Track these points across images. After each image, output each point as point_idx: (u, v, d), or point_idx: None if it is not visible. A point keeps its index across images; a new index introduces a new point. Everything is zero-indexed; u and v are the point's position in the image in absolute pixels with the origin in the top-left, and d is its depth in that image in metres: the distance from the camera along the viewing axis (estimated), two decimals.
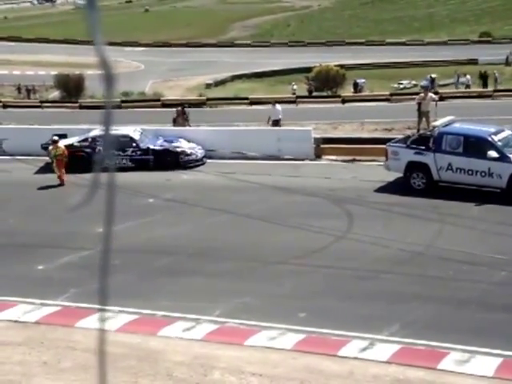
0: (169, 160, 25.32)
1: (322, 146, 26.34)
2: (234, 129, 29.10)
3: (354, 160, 25.28)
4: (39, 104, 49.74)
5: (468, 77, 56.57)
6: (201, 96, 51.82)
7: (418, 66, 68.15)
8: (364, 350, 11.64)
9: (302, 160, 25.48)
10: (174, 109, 34.05)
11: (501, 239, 16.69)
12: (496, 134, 20.77)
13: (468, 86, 54.09)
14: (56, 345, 12.32)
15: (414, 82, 59.39)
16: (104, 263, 2.47)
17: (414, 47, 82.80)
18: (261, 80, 68.03)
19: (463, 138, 20.60)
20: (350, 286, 14.59)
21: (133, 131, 26.05)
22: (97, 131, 25.79)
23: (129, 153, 25.36)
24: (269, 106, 33.75)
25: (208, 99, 48.09)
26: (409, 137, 22.93)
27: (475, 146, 20.36)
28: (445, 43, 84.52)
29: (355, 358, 11.38)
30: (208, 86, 64.67)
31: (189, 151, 25.81)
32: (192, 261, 16.56)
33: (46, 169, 25.57)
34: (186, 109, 33.75)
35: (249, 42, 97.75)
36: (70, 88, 55.82)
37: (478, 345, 11.56)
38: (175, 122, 32.08)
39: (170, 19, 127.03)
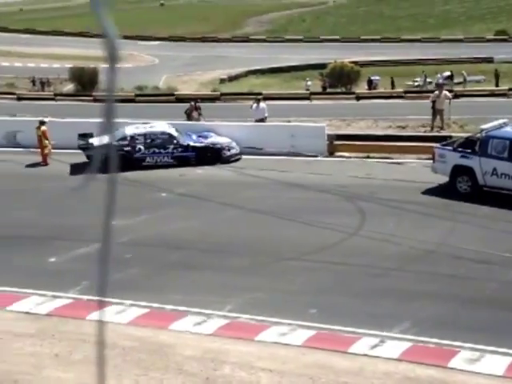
0: (210, 156, 25.19)
1: (336, 142, 26.31)
2: (247, 124, 29.07)
3: (367, 157, 25.25)
4: (53, 97, 49.93)
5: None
6: (215, 91, 51.87)
7: (432, 63, 67.97)
8: (374, 347, 11.64)
9: (316, 156, 25.48)
10: (188, 104, 34.11)
11: None
12: None
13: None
14: (67, 337, 12.39)
15: (428, 80, 59.21)
16: (103, 255, 2.47)
17: (429, 44, 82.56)
18: (275, 76, 67.99)
19: (509, 142, 19.71)
20: (361, 283, 14.58)
21: (168, 127, 25.94)
22: (132, 128, 25.67)
23: (170, 150, 25.22)
24: (252, 104, 31.67)
25: (222, 94, 48.12)
26: (458, 139, 21.98)
27: None
28: (460, 41, 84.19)
29: (365, 355, 11.37)
30: (222, 81, 64.69)
31: (229, 146, 25.75)
32: (203, 255, 16.57)
33: (59, 161, 25.73)
34: (198, 103, 33.79)
35: (264, 37, 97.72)
36: (85, 81, 55.98)
37: (489, 344, 11.52)
38: (189, 117, 32.11)
39: (185, 13, 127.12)
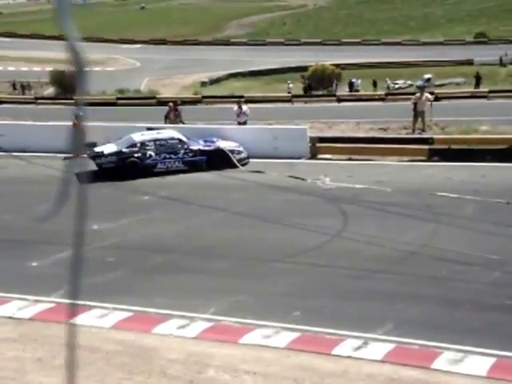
0: (222, 160, 24.92)
1: (318, 144, 26.37)
2: (230, 127, 29.05)
3: (349, 159, 25.31)
4: (34, 100, 49.74)
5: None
6: (196, 94, 51.91)
7: (413, 65, 68.35)
8: (358, 348, 11.64)
9: (298, 159, 25.52)
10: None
11: (495, 239, 16.70)
12: None
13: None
14: (50, 341, 12.30)
15: (409, 82, 59.63)
16: (76, 260, 2.45)
17: (409, 47, 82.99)
18: (256, 78, 68.14)
19: None
20: (344, 285, 14.60)
21: (176, 133, 25.59)
22: (139, 135, 25.15)
23: (180, 155, 24.89)
24: (234, 107, 32.18)
25: (203, 97, 48.14)
26: None
27: None
28: (441, 43, 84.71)
29: (349, 357, 11.37)
30: (203, 84, 64.80)
31: (238, 150, 25.52)
32: (187, 258, 16.55)
33: (43, 166, 25.57)
34: (178, 106, 33.54)
35: (245, 40, 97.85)
36: (65, 85, 55.81)
37: (472, 344, 11.56)
38: (166, 118, 31.81)
39: (166, 17, 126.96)
